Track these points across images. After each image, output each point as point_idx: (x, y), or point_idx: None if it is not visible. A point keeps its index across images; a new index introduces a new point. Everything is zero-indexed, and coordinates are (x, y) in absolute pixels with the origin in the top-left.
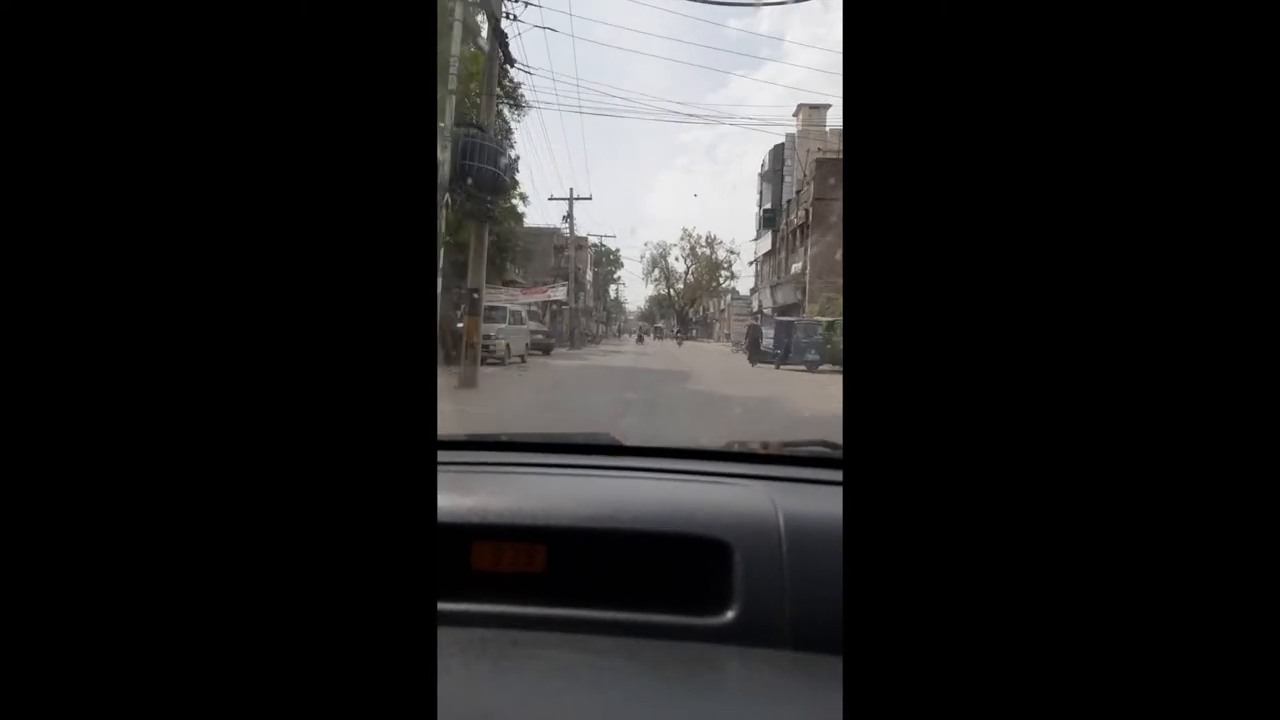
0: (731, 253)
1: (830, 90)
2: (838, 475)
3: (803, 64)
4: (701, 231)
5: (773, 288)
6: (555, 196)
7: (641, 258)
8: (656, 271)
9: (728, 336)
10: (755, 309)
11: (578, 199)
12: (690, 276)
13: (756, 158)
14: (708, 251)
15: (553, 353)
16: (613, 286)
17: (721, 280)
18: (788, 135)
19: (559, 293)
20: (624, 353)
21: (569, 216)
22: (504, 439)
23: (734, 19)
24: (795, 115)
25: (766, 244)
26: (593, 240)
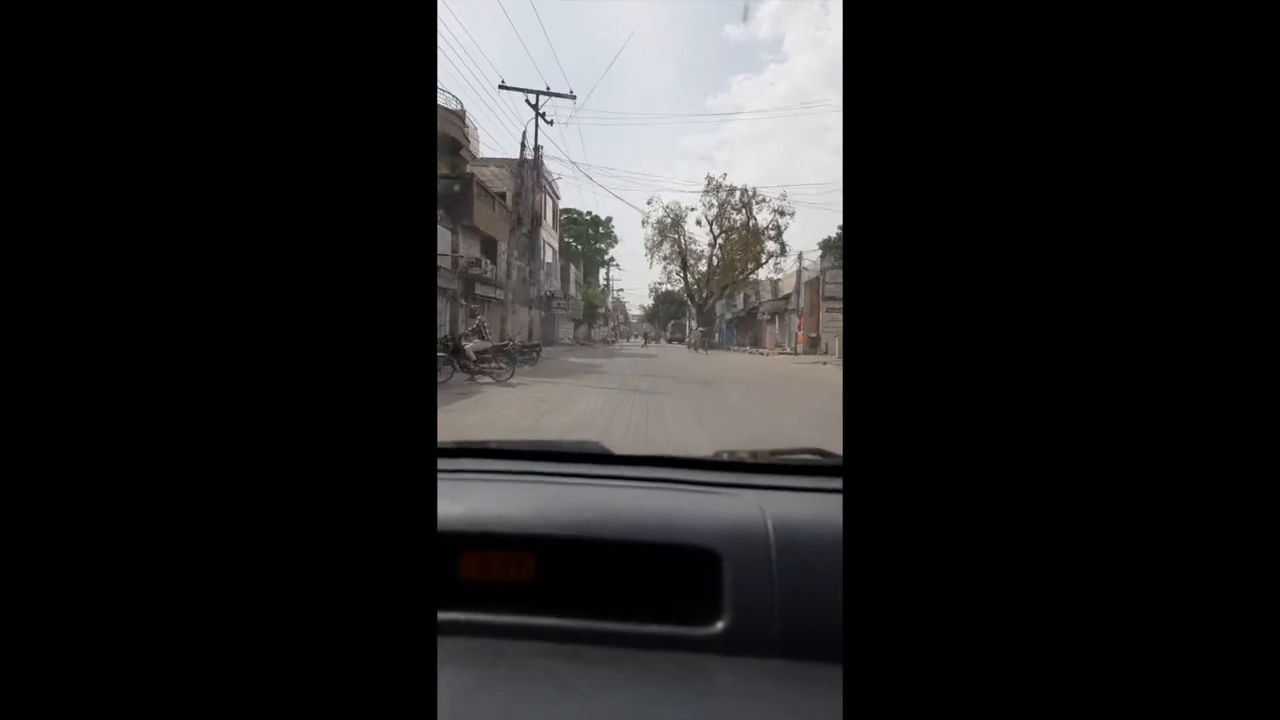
0: (781, 214)
1: (831, 94)
2: (828, 484)
3: (801, 67)
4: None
5: None
6: None
7: (644, 222)
8: (667, 247)
9: (816, 343)
10: None
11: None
12: (719, 252)
13: (753, 161)
14: (741, 217)
15: None
16: (604, 271)
17: (763, 258)
18: None
19: None
20: None
21: None
22: (492, 446)
23: (732, 25)
24: None
25: None
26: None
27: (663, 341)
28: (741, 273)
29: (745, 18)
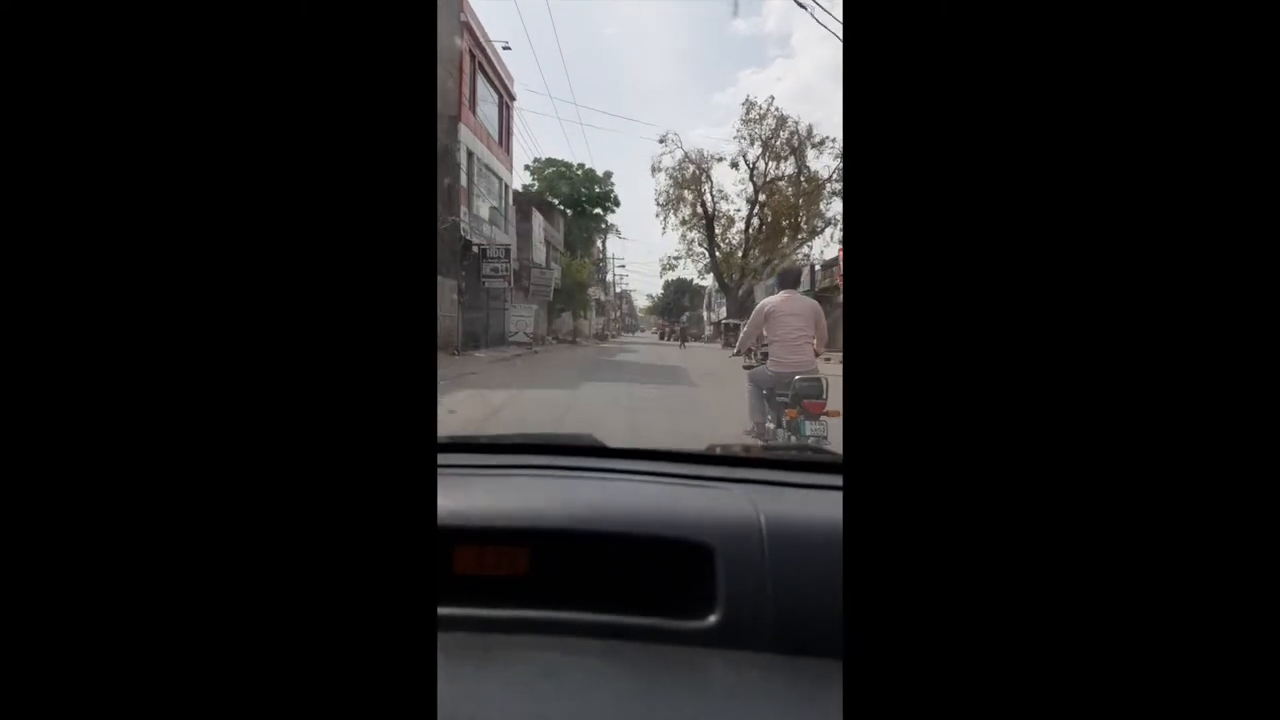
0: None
1: (836, 89)
2: (821, 479)
3: (809, 61)
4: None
5: None
6: None
7: (655, 169)
8: (688, 206)
9: None
10: None
11: None
12: (763, 212)
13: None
14: (790, 166)
15: None
16: (600, 242)
17: (819, 224)
18: None
19: None
20: None
21: None
22: (485, 440)
23: (739, 19)
24: None
25: None
26: None
27: (672, 340)
28: (790, 243)
29: (735, 13)
